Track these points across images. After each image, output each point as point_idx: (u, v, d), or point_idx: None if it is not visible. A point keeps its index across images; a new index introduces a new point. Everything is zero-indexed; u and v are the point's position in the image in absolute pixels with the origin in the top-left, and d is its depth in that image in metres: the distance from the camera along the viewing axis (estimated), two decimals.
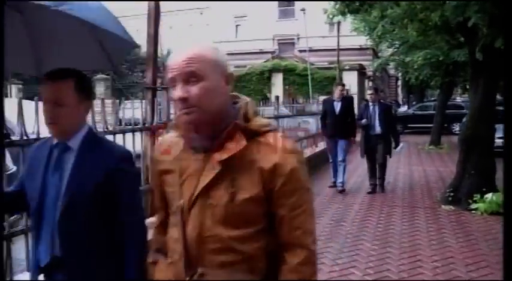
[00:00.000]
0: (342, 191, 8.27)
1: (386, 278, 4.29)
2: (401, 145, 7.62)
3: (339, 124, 8.18)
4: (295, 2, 36.95)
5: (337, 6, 7.51)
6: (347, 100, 8.54)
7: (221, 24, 41.12)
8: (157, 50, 4.66)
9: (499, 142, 10.44)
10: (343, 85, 9.14)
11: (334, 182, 8.49)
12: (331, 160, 8.62)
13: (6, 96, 18.11)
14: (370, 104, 8.32)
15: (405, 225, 6.11)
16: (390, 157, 8.57)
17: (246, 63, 34.23)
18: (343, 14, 7.63)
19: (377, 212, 6.81)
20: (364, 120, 8.25)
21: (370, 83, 32.59)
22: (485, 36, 6.31)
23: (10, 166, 4.14)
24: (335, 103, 8.29)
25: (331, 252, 5.01)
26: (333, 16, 7.93)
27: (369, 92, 8.59)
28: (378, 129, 8.15)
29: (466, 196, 6.95)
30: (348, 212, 6.77)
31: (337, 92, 8.35)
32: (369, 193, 8.19)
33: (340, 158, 8.29)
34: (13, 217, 3.33)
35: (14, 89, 28.17)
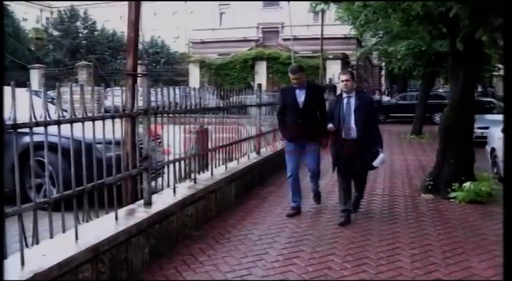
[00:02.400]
0: (317, 201, 6.56)
1: (365, 265, 4.34)
2: (381, 156, 5.67)
3: (304, 122, 5.99)
4: None
5: None
6: (314, 89, 6.29)
7: (205, 11, 40.80)
8: (139, 37, 4.61)
9: (478, 131, 10.64)
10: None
11: (295, 208, 6.14)
12: (289, 174, 6.17)
13: None
14: (344, 95, 5.77)
15: (385, 213, 6.17)
16: (373, 169, 6.01)
17: (229, 51, 34.11)
18: (326, 2, 7.61)
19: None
20: (330, 126, 5.73)
21: (354, 73, 32.77)
22: (466, 27, 6.36)
23: None
24: (297, 92, 6.02)
25: (311, 240, 5.05)
26: (316, 5, 7.90)
27: (343, 77, 5.75)
28: (353, 131, 5.68)
29: (445, 185, 7.04)
30: (328, 200, 6.82)
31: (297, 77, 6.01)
32: (340, 224, 5.60)
33: (311, 166, 6.24)
34: None
35: None
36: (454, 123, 7.25)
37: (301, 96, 5.99)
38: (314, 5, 8.00)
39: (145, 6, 43.36)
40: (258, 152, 8.37)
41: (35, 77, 27.99)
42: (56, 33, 44.09)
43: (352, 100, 5.70)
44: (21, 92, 3.28)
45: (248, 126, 8.14)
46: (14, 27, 36.21)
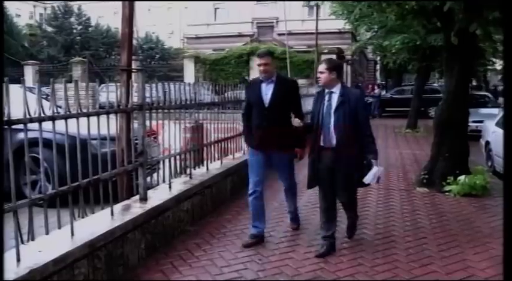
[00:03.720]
0: (295, 225, 5.26)
1: (361, 258, 4.36)
2: (375, 169, 4.33)
3: (272, 125, 4.67)
4: None
5: None
6: (285, 83, 4.93)
7: (200, 7, 40.67)
8: (133, 32, 4.60)
9: (473, 125, 10.69)
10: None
11: (255, 235, 4.79)
12: (250, 191, 4.81)
13: None
14: (326, 91, 4.49)
15: (380, 207, 6.20)
16: (364, 186, 4.56)
17: (224, 46, 34.04)
18: None
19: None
20: (295, 120, 4.67)
21: (349, 67, 32.76)
22: (461, 20, 6.38)
23: None
24: (263, 87, 4.76)
25: (307, 234, 5.06)
26: (310, 0, 7.88)
27: (321, 68, 4.47)
28: (332, 137, 4.38)
29: (440, 178, 7.07)
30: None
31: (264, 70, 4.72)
32: (318, 255, 4.42)
33: (283, 181, 5.10)
34: None
35: None
36: (448, 117, 7.27)
37: (267, 92, 4.71)
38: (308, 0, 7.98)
39: (139, 2, 43.22)
40: None
41: (29, 73, 27.85)
42: (49, 29, 43.82)
43: (335, 97, 4.38)
44: (15, 89, 3.27)
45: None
46: (7, 23, 35.95)
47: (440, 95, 17.25)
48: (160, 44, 47.59)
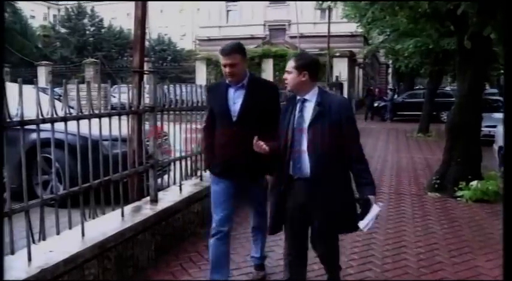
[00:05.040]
0: (259, 271, 4.03)
1: (370, 263, 4.33)
2: (375, 210, 3.12)
3: (241, 143, 3.43)
4: None
5: None
6: (261, 88, 3.70)
7: (212, 9, 40.78)
8: (145, 34, 4.62)
9: (486, 130, 10.58)
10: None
11: None
12: (213, 231, 3.64)
13: None
14: (298, 97, 3.21)
15: (391, 212, 6.16)
16: (354, 230, 3.28)
17: None
18: None
19: None
20: (258, 144, 3.21)
21: (361, 71, 32.63)
22: (474, 24, 6.32)
23: None
24: (231, 94, 3.62)
25: None
26: (323, 2, 7.85)
27: (288, 67, 3.19)
28: (305, 164, 3.12)
29: (452, 183, 7.01)
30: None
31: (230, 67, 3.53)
32: None
33: (254, 218, 4.06)
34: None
35: None
36: (461, 121, 7.21)
37: (236, 100, 3.56)
38: (321, 2, 7.96)
39: (152, 4, 43.43)
40: None
41: (42, 74, 28.05)
42: (63, 30, 44.23)
43: (309, 107, 3.13)
44: (29, 89, 3.30)
45: None
46: (21, 24, 36.33)
47: (453, 99, 17.12)
48: (172, 46, 47.82)
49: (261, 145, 3.19)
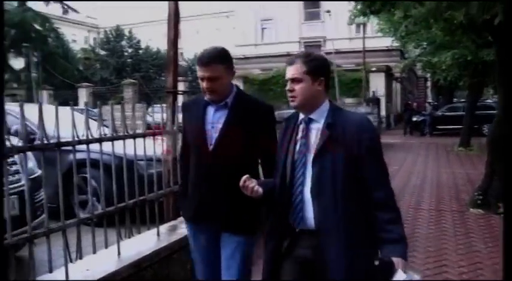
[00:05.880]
0: None
1: None
2: (409, 275, 2.08)
3: (220, 181, 2.68)
4: (321, 4, 36.88)
5: (359, 7, 7.40)
6: (249, 108, 2.74)
7: (247, 27, 41.24)
8: (178, 54, 4.68)
9: None
10: None
11: None
12: None
13: (34, 102, 18.50)
14: (301, 118, 2.36)
15: (431, 229, 5.99)
16: None
17: (272, 66, 34.29)
18: (364, 14, 7.51)
19: (403, 215, 6.68)
20: (249, 185, 2.35)
21: (398, 85, 32.24)
22: None
23: (35, 169, 4.22)
24: (209, 115, 2.75)
25: None
26: (355, 17, 7.82)
27: (292, 71, 2.31)
28: (309, 212, 2.25)
29: (496, 199, 6.78)
30: None
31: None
32: None
33: None
34: (37, 220, 3.39)
35: (45, 95, 28.83)
36: (503, 134, 6.99)
37: (215, 123, 2.71)
38: (353, 17, 7.93)
39: (187, 25, 44.26)
40: None
41: (83, 95, 28.90)
42: (102, 52, 45.53)
43: (315, 129, 2.30)
44: (66, 111, 3.38)
45: None
46: (63, 48, 37.60)
47: (495, 111, 16.72)
48: None
49: (251, 187, 2.33)
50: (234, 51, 43.67)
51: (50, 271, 2.99)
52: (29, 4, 34.09)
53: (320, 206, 2.21)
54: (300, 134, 2.34)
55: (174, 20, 4.40)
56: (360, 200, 2.21)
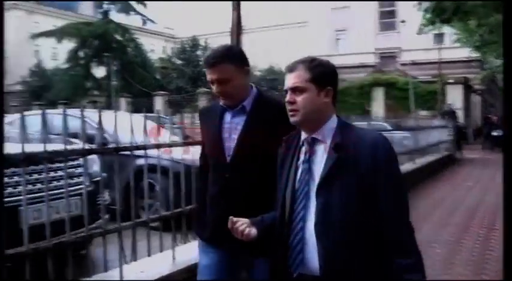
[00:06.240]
0: None
1: None
2: None
3: (241, 198, 2.33)
4: (397, 14, 36.16)
5: (428, 16, 7.16)
6: (273, 112, 2.33)
7: (321, 38, 41.11)
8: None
9: None
10: None
11: None
12: None
13: (112, 109, 19.34)
14: (303, 136, 1.95)
15: None
16: None
17: (346, 77, 33.92)
18: (433, 23, 7.25)
19: (474, 235, 6.37)
20: (241, 226, 1.99)
21: (478, 97, 30.85)
22: None
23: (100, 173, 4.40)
24: (226, 121, 2.43)
25: None
26: (424, 26, 7.57)
27: (294, 78, 1.94)
28: (313, 253, 1.82)
29: None
30: (440, 232, 6.40)
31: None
32: None
33: None
34: (99, 221, 3.53)
35: (123, 102, 30.16)
36: None
37: (233, 131, 2.41)
38: (422, 27, 7.69)
39: (262, 35, 44.80)
40: None
41: (159, 103, 29.92)
42: (178, 62, 46.97)
43: (321, 150, 1.89)
44: (139, 117, 3.54)
45: None
46: (142, 58, 39.18)
47: None
48: (283, 75, 48.79)
49: (241, 231, 1.97)
50: None
51: (105, 271, 3.10)
52: (111, 16, 35.97)
53: (326, 248, 1.77)
54: (301, 158, 1.92)
55: (237, 32, 4.47)
56: (377, 241, 1.79)
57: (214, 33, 51.78)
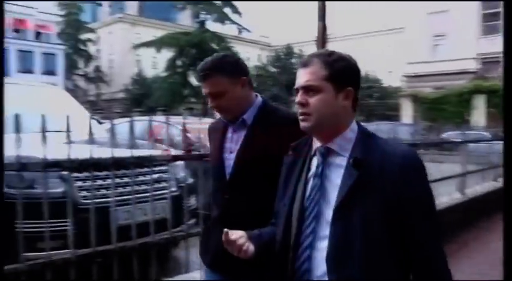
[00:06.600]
0: None
1: None
2: None
3: (238, 220, 1.90)
4: (502, 16, 34.05)
5: None
6: (274, 123, 2.11)
7: (418, 44, 39.79)
8: None
9: None
10: None
11: None
12: None
13: (209, 116, 19.91)
14: (314, 148, 1.62)
15: None
16: None
17: (445, 84, 32.67)
18: None
19: None
20: (227, 236, 1.66)
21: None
22: None
23: (187, 178, 4.56)
24: (228, 137, 2.21)
25: None
26: None
27: (306, 76, 1.56)
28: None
29: None
30: None
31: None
32: None
33: None
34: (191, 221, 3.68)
35: None
36: None
37: (234, 146, 2.19)
38: None
39: (355, 42, 44.19)
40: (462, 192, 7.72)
41: None
42: (273, 70, 47.58)
43: (338, 165, 1.53)
44: None
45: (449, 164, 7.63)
46: None
47: None
48: (378, 83, 47.85)
49: (238, 246, 1.66)
50: (406, 69, 42.53)
51: (186, 272, 3.23)
52: (207, 25, 37.23)
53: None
54: (312, 170, 1.59)
55: (322, 40, 4.49)
56: (401, 274, 1.48)
57: (309, 41, 51.98)
